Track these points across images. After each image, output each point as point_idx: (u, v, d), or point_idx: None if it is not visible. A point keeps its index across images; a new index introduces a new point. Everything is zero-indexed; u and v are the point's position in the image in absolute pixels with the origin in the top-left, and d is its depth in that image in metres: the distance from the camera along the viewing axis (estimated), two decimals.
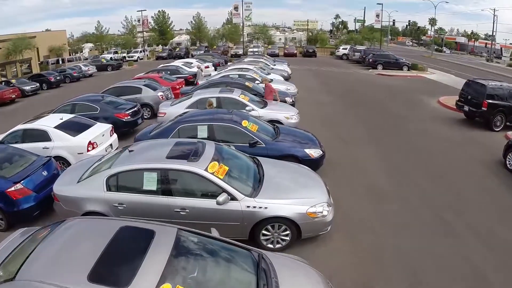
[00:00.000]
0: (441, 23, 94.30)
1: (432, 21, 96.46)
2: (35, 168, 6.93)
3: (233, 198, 5.32)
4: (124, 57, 48.45)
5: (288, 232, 5.48)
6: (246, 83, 13.80)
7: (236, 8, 49.74)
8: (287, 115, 10.66)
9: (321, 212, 5.48)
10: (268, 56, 32.86)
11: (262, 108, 10.89)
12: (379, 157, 9.71)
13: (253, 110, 10.54)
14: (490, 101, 12.17)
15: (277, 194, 5.59)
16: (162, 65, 23.57)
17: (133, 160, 5.85)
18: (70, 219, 4.27)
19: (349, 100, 17.56)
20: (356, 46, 43.52)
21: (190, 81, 19.04)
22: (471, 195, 7.57)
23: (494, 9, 59.57)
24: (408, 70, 30.91)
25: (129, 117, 11.56)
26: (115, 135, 9.92)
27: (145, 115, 13.95)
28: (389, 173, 8.66)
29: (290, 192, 5.71)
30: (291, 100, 13.50)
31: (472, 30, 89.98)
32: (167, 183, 5.48)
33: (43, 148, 8.50)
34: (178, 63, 24.24)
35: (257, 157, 6.74)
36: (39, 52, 43.31)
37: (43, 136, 8.72)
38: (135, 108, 12.06)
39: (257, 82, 15.64)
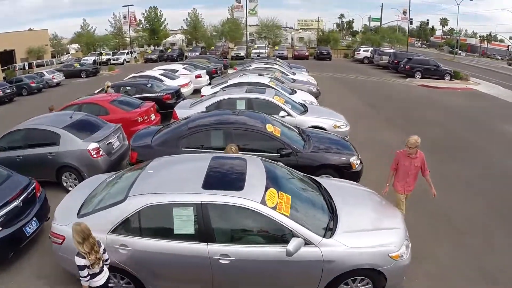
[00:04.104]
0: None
1: (444, 22, 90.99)
2: None
3: None
4: (109, 59, 41.22)
5: None
6: (269, 128, 6.62)
7: None
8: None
9: None
10: (280, 60, 25.01)
11: (328, 238, 4.00)
12: None
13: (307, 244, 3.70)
14: None
15: None
16: (132, 75, 16.12)
17: None
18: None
19: (427, 139, 10.53)
20: (382, 49, 36.26)
21: (167, 104, 11.56)
22: None
23: None
24: (451, 79, 25.32)
25: None
26: None
27: (70, 185, 7.12)
28: None
29: None
30: (358, 161, 6.55)
31: (491, 32, 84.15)
32: None
33: None
34: (156, 71, 16.37)
35: None
36: (15, 54, 37.53)
37: None
38: (17, 202, 4.98)
39: (282, 115, 8.75)
